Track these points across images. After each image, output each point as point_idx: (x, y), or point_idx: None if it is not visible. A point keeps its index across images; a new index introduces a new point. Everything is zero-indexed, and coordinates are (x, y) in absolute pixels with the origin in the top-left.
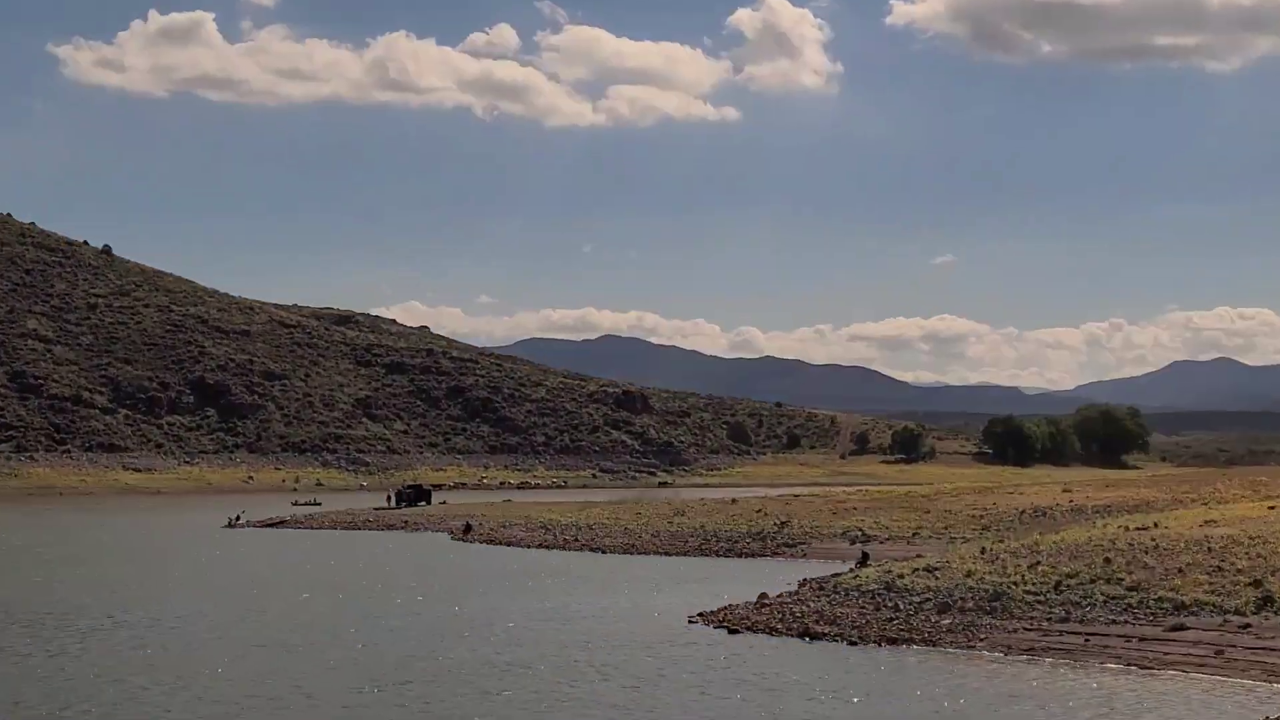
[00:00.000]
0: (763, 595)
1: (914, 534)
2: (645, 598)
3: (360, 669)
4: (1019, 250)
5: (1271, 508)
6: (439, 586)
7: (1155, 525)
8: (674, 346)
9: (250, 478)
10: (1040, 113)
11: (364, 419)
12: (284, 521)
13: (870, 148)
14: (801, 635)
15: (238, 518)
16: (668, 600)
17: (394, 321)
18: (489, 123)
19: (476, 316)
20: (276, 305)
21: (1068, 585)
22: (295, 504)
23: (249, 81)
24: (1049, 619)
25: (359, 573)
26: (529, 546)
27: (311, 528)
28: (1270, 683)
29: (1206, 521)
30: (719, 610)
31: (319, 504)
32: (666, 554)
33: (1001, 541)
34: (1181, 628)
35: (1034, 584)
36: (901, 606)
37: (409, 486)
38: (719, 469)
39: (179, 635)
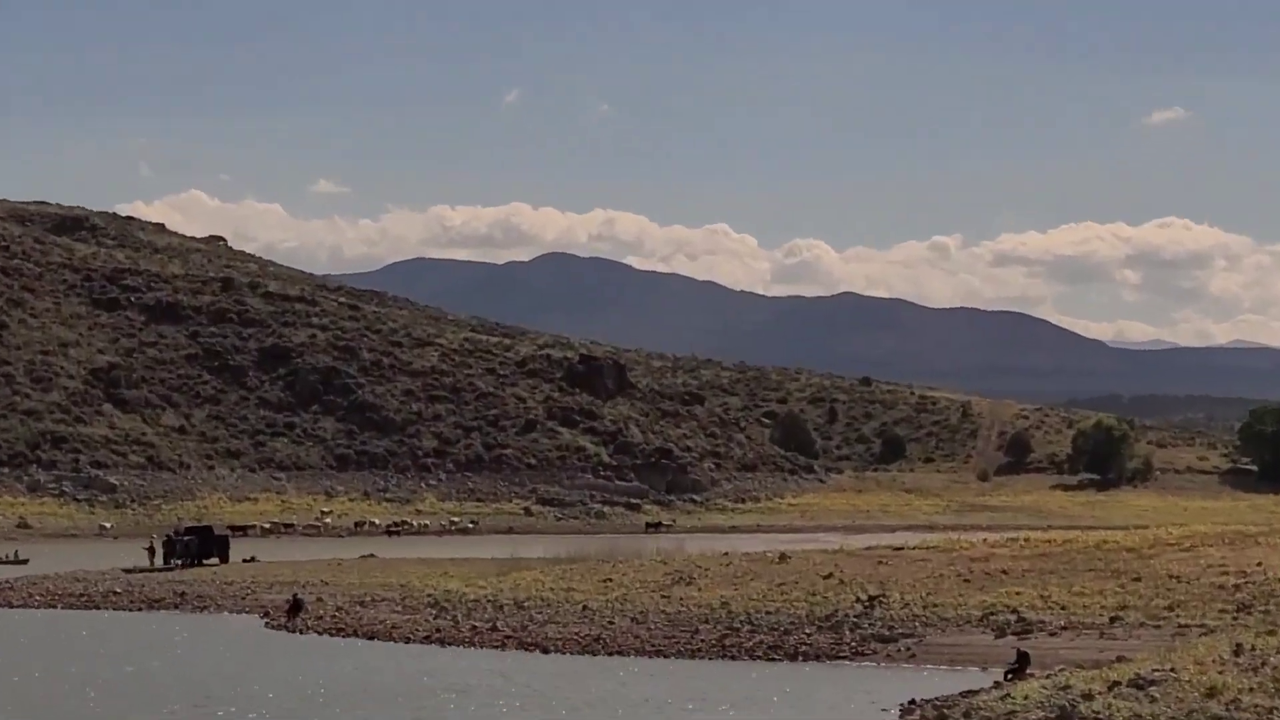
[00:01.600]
0: None
1: (1112, 619)
2: None
3: None
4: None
5: None
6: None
7: None
8: (675, 276)
9: None
10: None
11: (106, 407)
12: None
13: None
14: None
15: None
16: None
17: (162, 228)
18: None
19: (312, 219)
20: None
21: None
22: None
23: None
24: None
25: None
26: (409, 639)
27: (9, 604)
28: None
29: None
30: None
31: (22, 561)
32: (659, 654)
33: (1274, 633)
34: None
35: None
36: None
37: (189, 531)
38: (755, 499)
39: None
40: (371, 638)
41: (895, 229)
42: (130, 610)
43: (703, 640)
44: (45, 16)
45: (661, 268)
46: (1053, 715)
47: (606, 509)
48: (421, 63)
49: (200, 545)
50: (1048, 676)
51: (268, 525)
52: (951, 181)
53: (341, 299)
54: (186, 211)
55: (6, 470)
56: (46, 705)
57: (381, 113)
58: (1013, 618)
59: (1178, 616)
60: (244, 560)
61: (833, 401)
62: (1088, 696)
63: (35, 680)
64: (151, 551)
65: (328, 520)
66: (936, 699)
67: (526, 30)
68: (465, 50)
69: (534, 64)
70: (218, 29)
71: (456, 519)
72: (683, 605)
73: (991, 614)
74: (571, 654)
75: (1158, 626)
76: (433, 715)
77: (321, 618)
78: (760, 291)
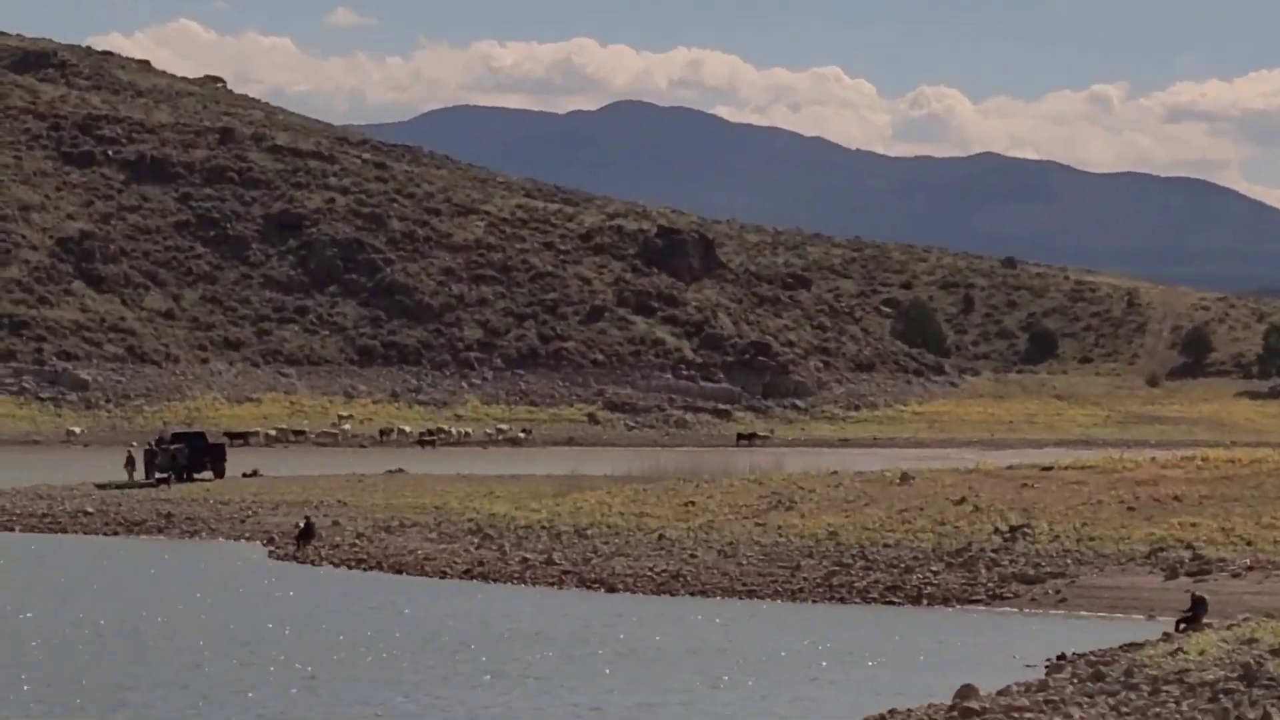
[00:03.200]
0: (966, 691)
1: None
2: (706, 699)
3: None
4: None
5: None
6: (259, 682)
7: None
8: (776, 130)
9: None
10: None
11: (76, 284)
12: None
13: None
14: None
15: None
16: (755, 705)
17: (146, 66)
18: None
19: (329, 56)
20: None
21: None
22: None
23: None
24: None
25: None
26: (444, 574)
27: None
28: None
29: None
30: None
31: None
32: (752, 595)
33: None
34: None
35: None
36: None
37: (178, 438)
38: (872, 406)
39: None
40: (399, 571)
41: (1045, 76)
42: (104, 534)
43: (805, 579)
44: None
45: (758, 120)
46: (1234, 674)
47: (689, 416)
48: None
49: (190, 456)
50: (1229, 627)
51: (273, 432)
52: (1115, 17)
53: (366, 155)
54: (176, 46)
55: None
56: (39, 650)
57: None
58: (1187, 555)
59: None
60: (244, 475)
61: (968, 287)
62: (1277, 652)
63: (14, 620)
64: (131, 463)
65: (346, 427)
66: (1092, 653)
67: None
68: None
69: None
70: None
71: (505, 427)
72: (781, 536)
73: (1160, 550)
74: (644, 593)
75: None
76: (518, 666)
77: (338, 546)
78: (880, 151)
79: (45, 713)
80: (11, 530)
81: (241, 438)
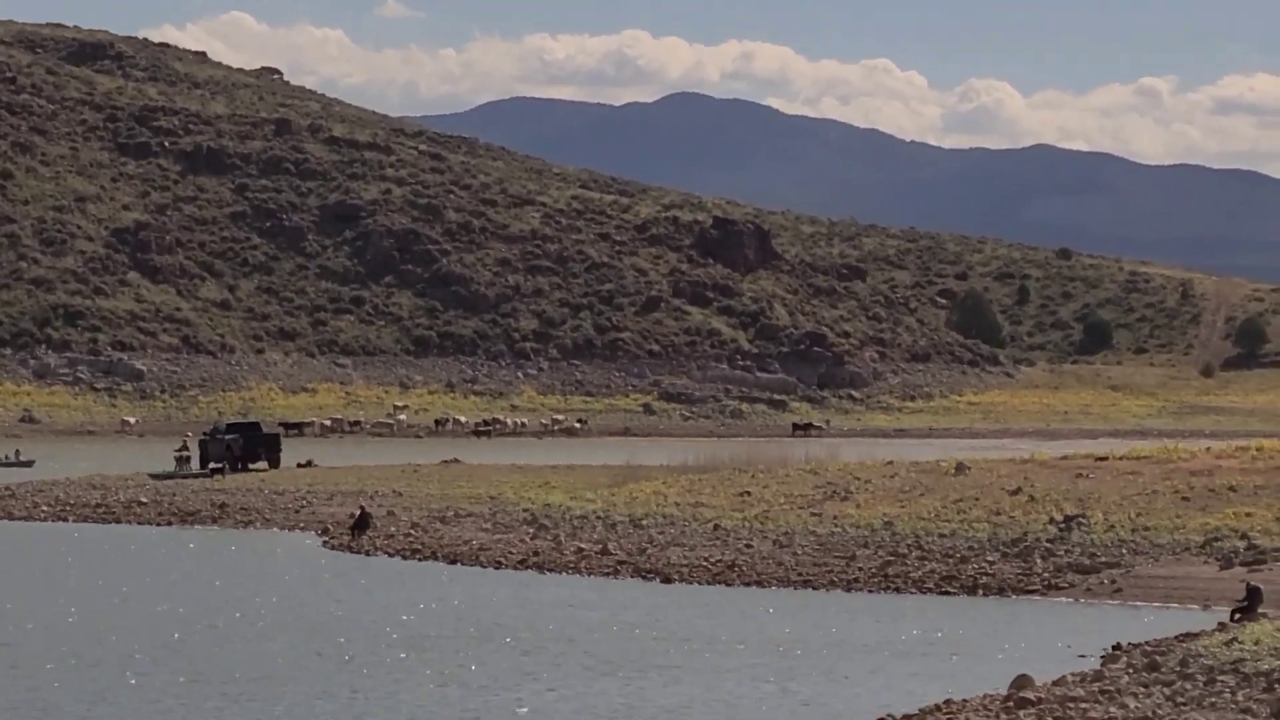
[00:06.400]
0: (1022, 681)
1: None
2: (762, 688)
3: None
4: None
5: None
6: (311, 682)
7: None
8: (829, 121)
9: None
10: None
11: (131, 275)
12: None
13: None
14: None
15: None
16: (812, 692)
17: (201, 57)
18: None
19: (383, 48)
20: None
21: None
22: None
23: None
24: None
25: (105, 647)
26: (499, 564)
27: (9, 516)
28: None
29: None
30: (924, 713)
31: (26, 463)
32: (808, 586)
33: None
34: None
35: None
36: None
37: (232, 428)
38: (928, 397)
39: None
40: (454, 561)
41: (1095, 68)
42: (158, 524)
43: (860, 568)
44: None
45: (810, 112)
46: None
47: (745, 407)
48: None
49: (245, 446)
50: None
51: (328, 422)
52: (1162, 11)
53: (421, 147)
54: (230, 38)
55: (9, 352)
56: (117, 636)
57: None
58: (1242, 544)
59: None
60: (299, 465)
61: (1023, 278)
62: None
63: (81, 604)
64: (185, 453)
65: (402, 417)
66: (1147, 643)
67: None
68: None
69: None
70: None
71: (560, 417)
72: (836, 526)
73: (1216, 540)
74: (700, 583)
75: None
76: (537, 659)
77: (393, 536)
78: (933, 142)
79: (188, 706)
80: (65, 520)
81: (296, 428)
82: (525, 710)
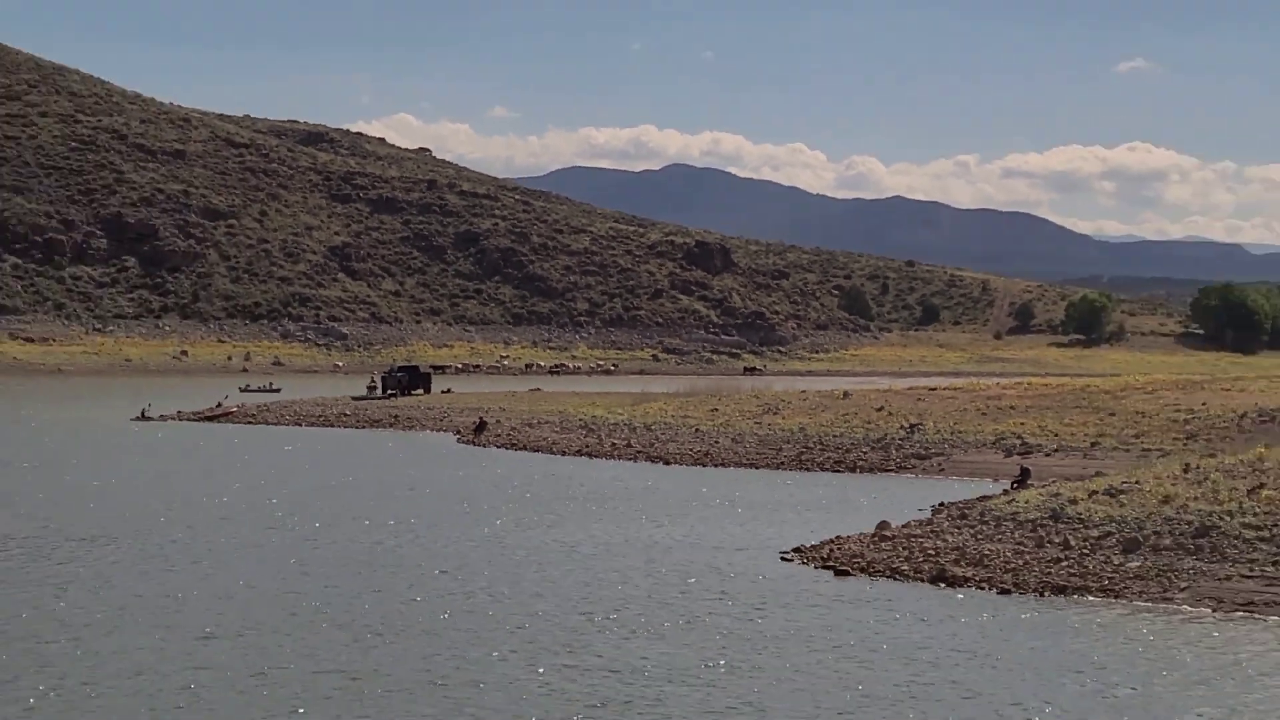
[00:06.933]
0: (883, 525)
1: (1092, 444)
2: (723, 526)
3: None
4: (1237, 52)
5: None
6: (448, 509)
7: None
8: (766, 182)
9: (183, 353)
10: None
11: (340, 275)
12: (227, 413)
13: None
14: (935, 580)
15: (147, 409)
16: (754, 530)
17: (382, 141)
18: None
19: (492, 135)
20: (221, 117)
21: None
22: (244, 389)
23: None
24: (1276, 562)
25: (329, 491)
26: (564, 453)
27: (266, 423)
28: None
29: None
30: (823, 544)
31: (276, 390)
32: (752, 466)
33: (1213, 456)
34: None
35: (1257, 515)
36: (1073, 543)
37: (401, 369)
38: (826, 351)
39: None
40: (536, 450)
41: (930, 148)
42: (355, 428)
43: (785, 456)
44: None
45: (755, 176)
46: (1046, 515)
47: (714, 356)
48: (559, 10)
49: (409, 380)
50: (1043, 486)
51: (460, 365)
52: (973, 113)
53: (516, 196)
54: (399, 129)
55: (266, 322)
56: (301, 486)
57: (540, 61)
58: (1017, 442)
59: (1142, 443)
60: (442, 391)
61: (885, 279)
62: (1072, 501)
63: (288, 477)
64: (373, 384)
65: (505, 362)
66: (960, 502)
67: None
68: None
69: (655, 19)
70: None
71: (601, 362)
72: (770, 429)
73: (1001, 439)
74: (686, 465)
75: (1127, 450)
76: (580, 508)
77: (499, 435)
78: (829, 195)
79: (378, 530)
80: (299, 426)
81: (441, 369)
82: (588, 539)
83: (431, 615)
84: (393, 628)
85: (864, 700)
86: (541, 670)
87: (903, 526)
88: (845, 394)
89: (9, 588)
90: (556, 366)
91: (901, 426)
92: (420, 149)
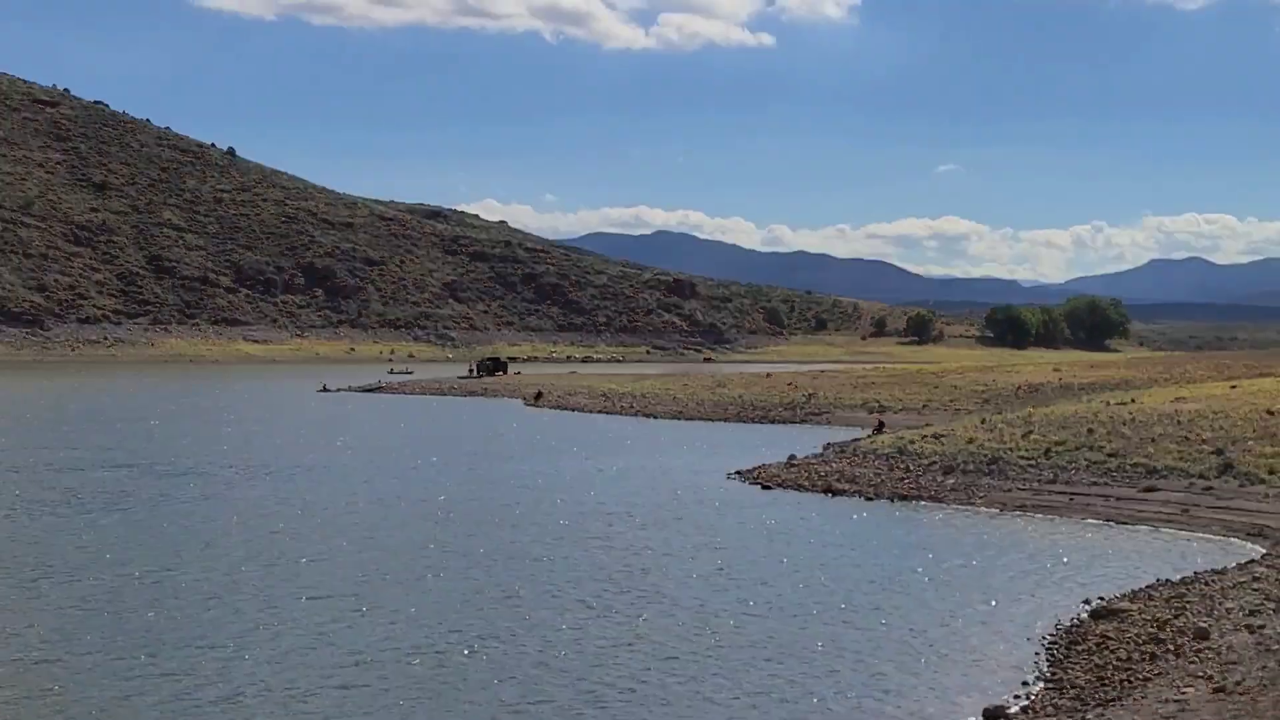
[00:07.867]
0: (791, 457)
1: (924, 406)
2: (690, 458)
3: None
4: (1014, 160)
5: (1234, 387)
6: (520, 447)
7: (1133, 401)
8: (717, 241)
9: (352, 349)
10: (1035, 40)
11: (450, 300)
12: (380, 388)
13: (884, 70)
14: (825, 491)
15: (326, 385)
16: (710, 460)
17: (477, 216)
18: (555, 45)
19: (545, 213)
20: (376, 201)
21: (1056, 451)
22: (391, 372)
23: (346, 7)
24: (1039, 480)
25: (449, 434)
26: (591, 412)
27: (405, 393)
28: (1228, 536)
29: (1177, 399)
30: (754, 469)
31: (411, 372)
32: (709, 420)
33: (1000, 414)
34: (1153, 489)
35: (1027, 450)
36: (912, 468)
37: (488, 359)
38: (756, 348)
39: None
40: (575, 410)
41: (821, 219)
42: (459, 396)
43: (729, 413)
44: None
45: (710, 239)
46: (895, 450)
47: (685, 351)
48: (590, 131)
49: (494, 366)
50: (894, 433)
51: (525, 357)
52: (848, 197)
53: (560, 252)
54: (485, 209)
55: (404, 329)
56: (432, 431)
57: (576, 165)
58: (876, 405)
59: (955, 405)
60: (515, 373)
61: (793, 302)
62: (911, 442)
63: (423, 426)
64: (471, 369)
65: (554, 354)
66: (840, 442)
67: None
68: (611, 129)
69: (649, 135)
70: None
71: (615, 356)
72: (720, 397)
73: (866, 403)
74: (668, 419)
75: (945, 410)
76: (600, 446)
77: (550, 400)
78: (757, 249)
79: (481, 465)
80: (426, 395)
81: (514, 359)
82: (605, 467)
83: (529, 510)
84: (507, 519)
85: (787, 566)
86: (584, 551)
87: (804, 458)
88: (769, 375)
89: (261, 495)
90: (585, 358)
91: (803, 395)
92: (500, 222)
